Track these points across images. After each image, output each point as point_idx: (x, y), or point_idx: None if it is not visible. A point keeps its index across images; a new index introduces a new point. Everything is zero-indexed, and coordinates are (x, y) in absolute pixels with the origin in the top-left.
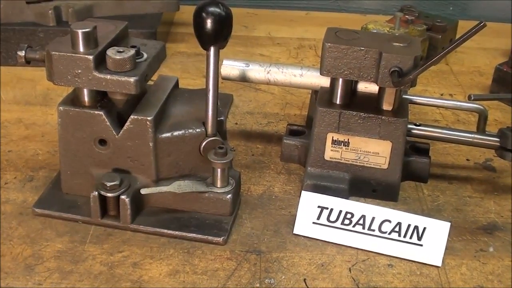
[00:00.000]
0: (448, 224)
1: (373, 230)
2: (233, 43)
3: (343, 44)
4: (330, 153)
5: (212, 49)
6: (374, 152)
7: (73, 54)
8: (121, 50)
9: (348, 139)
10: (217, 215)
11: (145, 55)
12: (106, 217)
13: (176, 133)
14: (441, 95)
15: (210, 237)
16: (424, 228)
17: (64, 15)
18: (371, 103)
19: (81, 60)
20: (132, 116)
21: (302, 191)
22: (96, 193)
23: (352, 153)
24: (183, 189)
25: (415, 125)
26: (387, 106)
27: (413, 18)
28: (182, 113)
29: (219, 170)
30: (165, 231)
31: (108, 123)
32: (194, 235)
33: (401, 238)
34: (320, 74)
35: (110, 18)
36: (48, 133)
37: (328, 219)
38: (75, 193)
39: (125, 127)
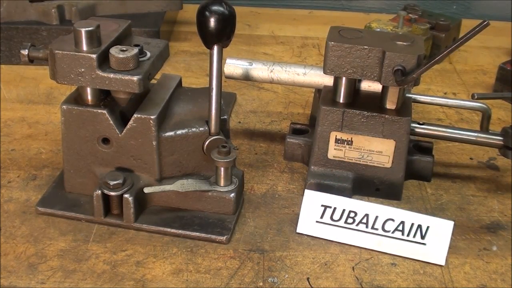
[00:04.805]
0: (452, 223)
1: (377, 229)
2: (236, 41)
3: (346, 43)
4: (333, 152)
5: (215, 47)
6: (378, 151)
7: (76, 53)
8: (124, 49)
9: (352, 138)
10: (220, 214)
11: (148, 54)
12: (109, 216)
13: (179, 132)
14: (445, 94)
15: (213, 236)
16: (428, 227)
17: (67, 14)
18: (374, 102)
19: (84, 59)
20: (135, 115)
21: (305, 190)
22: (99, 191)
23: (356, 152)
24: (186, 188)
25: (419, 124)
26: (390, 105)
27: (417, 16)
28: (185, 112)
29: (222, 169)
30: (168, 230)
31: (111, 122)
32: (197, 234)
33: (405, 237)
34: (324, 72)
35: (113, 17)
36: (51, 132)
37: (331, 218)
38: (78, 192)
39: (128, 126)
